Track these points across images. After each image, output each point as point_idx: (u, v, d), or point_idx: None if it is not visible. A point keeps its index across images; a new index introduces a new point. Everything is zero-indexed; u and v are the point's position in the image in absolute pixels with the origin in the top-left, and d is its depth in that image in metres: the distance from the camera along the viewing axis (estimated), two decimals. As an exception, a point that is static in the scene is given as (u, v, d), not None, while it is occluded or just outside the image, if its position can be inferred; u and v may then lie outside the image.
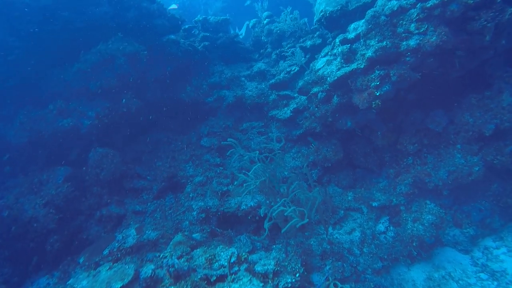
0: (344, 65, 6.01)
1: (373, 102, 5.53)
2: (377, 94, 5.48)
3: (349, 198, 7.22)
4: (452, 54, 5.51)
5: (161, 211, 6.50)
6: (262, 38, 10.01)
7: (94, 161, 6.07)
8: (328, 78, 6.09)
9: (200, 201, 6.36)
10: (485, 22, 5.11)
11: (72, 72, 6.09)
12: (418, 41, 5.37)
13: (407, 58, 5.48)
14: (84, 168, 6.26)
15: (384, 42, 5.52)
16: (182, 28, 9.67)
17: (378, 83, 5.52)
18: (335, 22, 6.92)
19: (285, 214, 4.97)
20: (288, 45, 8.99)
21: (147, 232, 5.56)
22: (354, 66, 5.76)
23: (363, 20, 6.12)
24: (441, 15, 5.19)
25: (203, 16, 9.40)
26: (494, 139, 5.88)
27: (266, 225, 5.38)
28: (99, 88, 6.15)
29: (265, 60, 9.85)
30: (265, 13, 10.41)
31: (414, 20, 5.46)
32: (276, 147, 8.24)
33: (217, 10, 18.45)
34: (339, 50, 6.07)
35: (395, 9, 5.64)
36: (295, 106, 8.02)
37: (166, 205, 6.72)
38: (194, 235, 5.55)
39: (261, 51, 10.28)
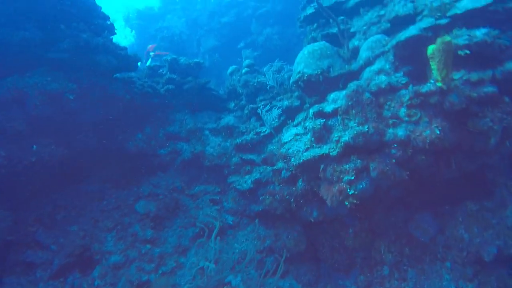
0: (315, 145, 4.78)
1: (346, 202, 4.22)
2: (350, 192, 4.19)
3: (308, 303, 5.73)
4: (448, 152, 4.34)
5: (53, 301, 4.86)
6: (238, 88, 8.90)
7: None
8: (293, 159, 4.83)
9: (105, 296, 4.77)
10: (491, 123, 3.99)
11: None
12: (408, 132, 4.19)
13: (393, 151, 4.28)
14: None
15: (366, 126, 4.33)
16: (147, 66, 8.55)
17: (352, 178, 4.24)
18: (314, 87, 5.81)
19: None
20: (263, 102, 7.84)
21: None
22: (325, 150, 4.52)
23: (344, 92, 4.99)
24: (438, 105, 4.06)
25: (173, 56, 8.31)
26: (495, 264, 4.58)
27: None
28: (-2, 131, 4.76)
29: (238, 114, 8.65)
30: (246, 61, 9.39)
31: (405, 104, 4.32)
32: (228, 222, 6.82)
33: (209, 48, 17.72)
34: (311, 125, 4.86)
35: (383, 86, 4.53)
36: (258, 176, 6.69)
37: (66, 289, 5.10)
38: None
39: (236, 101, 9.14)
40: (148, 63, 7.88)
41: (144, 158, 7.32)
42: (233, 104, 9.15)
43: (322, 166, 4.61)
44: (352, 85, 4.58)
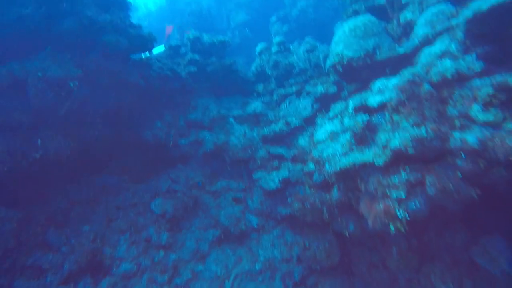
0: (355, 147, 3.84)
1: (391, 224, 3.32)
2: (399, 215, 3.27)
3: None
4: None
5: (60, 310, 4.50)
6: (267, 70, 7.96)
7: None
8: (327, 165, 3.94)
9: (112, 311, 4.32)
10: None
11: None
12: (483, 137, 3.13)
13: (459, 162, 3.26)
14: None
15: (423, 129, 3.32)
16: (168, 46, 7.80)
17: (403, 195, 3.30)
18: (355, 73, 4.78)
19: None
20: (294, 87, 6.89)
21: None
22: (368, 156, 3.58)
23: (394, 81, 3.95)
24: (533, 103, 2.95)
25: (195, 34, 7.49)
26: None
27: None
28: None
29: (266, 99, 7.76)
30: (277, 39, 8.36)
31: (480, 99, 3.23)
32: (253, 224, 6.12)
33: (239, 23, 16.63)
34: (351, 123, 3.91)
35: (449, 75, 3.44)
36: (286, 174, 5.87)
37: (76, 296, 4.73)
38: None
39: (265, 84, 8.23)
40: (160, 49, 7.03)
41: (163, 148, 6.73)
42: (261, 87, 8.26)
43: (363, 176, 3.69)
44: (407, 74, 3.53)
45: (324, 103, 6.22)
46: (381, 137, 3.58)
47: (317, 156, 4.16)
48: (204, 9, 15.39)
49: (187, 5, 18.11)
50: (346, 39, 4.69)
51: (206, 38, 7.54)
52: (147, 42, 5.82)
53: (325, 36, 12.11)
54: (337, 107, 5.18)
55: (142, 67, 6.25)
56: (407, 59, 4.39)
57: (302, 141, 6.01)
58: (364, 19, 4.72)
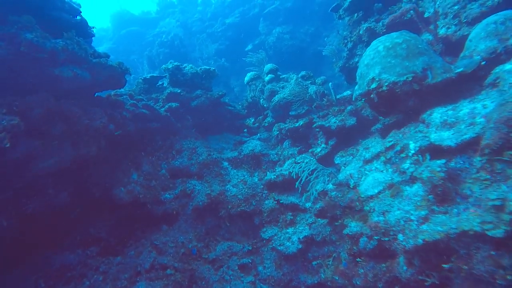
0: (436, 208, 2.68)
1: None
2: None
3: None
4: None
5: None
6: (261, 101, 6.85)
7: None
8: (401, 237, 2.73)
9: None
10: None
11: None
12: None
13: None
14: None
15: (556, 180, 2.23)
16: (143, 78, 6.51)
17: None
18: (397, 101, 3.72)
19: None
20: (301, 120, 5.78)
21: None
22: (470, 223, 2.43)
23: (466, 110, 2.93)
24: None
25: (174, 64, 6.29)
26: None
27: None
28: None
29: (263, 135, 6.60)
30: (269, 66, 7.37)
31: None
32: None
33: (213, 53, 15.75)
34: (424, 172, 2.77)
35: None
36: (307, 231, 4.61)
37: None
38: None
39: (259, 118, 7.11)
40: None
41: (143, 207, 5.27)
42: (256, 121, 7.13)
43: (459, 250, 2.51)
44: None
45: (341, 138, 5.14)
46: (488, 194, 2.46)
47: (382, 224, 2.94)
48: (177, 39, 14.33)
49: (155, 37, 17.12)
50: (383, 59, 3.67)
51: (188, 68, 6.35)
52: (118, 75, 4.49)
53: (305, 63, 11.42)
54: (373, 145, 4.08)
55: (111, 106, 4.88)
56: (467, 81, 3.42)
57: (320, 186, 4.81)
58: (402, 35, 3.74)
